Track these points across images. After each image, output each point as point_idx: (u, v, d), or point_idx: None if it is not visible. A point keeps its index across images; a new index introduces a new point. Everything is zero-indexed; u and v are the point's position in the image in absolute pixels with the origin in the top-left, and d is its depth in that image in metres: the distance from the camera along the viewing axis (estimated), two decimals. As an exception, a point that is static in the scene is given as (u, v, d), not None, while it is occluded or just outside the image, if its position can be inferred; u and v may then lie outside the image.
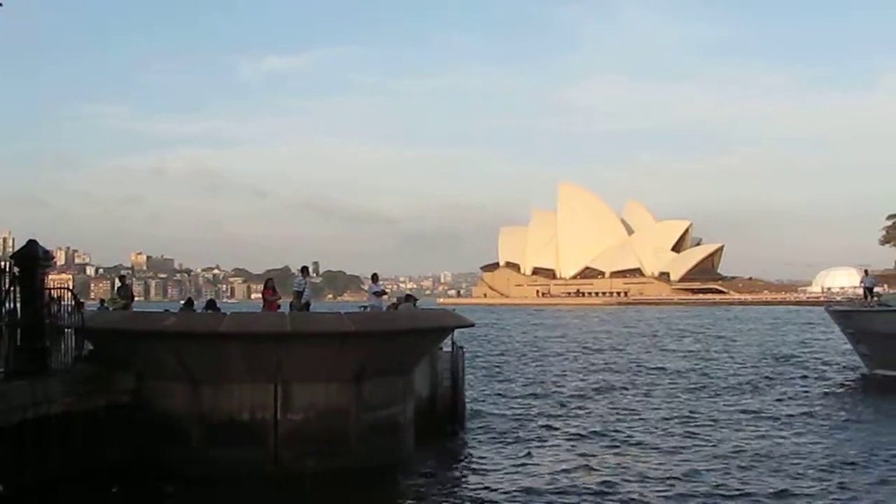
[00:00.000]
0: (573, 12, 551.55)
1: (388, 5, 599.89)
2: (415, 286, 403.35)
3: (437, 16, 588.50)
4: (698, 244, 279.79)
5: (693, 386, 39.80)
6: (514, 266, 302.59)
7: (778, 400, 34.64)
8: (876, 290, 46.69)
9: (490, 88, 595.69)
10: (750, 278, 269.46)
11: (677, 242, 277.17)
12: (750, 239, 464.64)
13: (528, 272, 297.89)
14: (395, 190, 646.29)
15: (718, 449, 24.19)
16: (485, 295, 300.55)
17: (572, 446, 24.96)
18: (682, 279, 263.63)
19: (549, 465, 22.26)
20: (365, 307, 28.15)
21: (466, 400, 29.57)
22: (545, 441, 25.82)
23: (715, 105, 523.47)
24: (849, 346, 47.05)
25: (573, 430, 27.58)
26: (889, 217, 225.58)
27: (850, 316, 45.70)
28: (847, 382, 41.81)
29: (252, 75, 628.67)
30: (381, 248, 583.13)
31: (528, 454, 23.70)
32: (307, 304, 24.89)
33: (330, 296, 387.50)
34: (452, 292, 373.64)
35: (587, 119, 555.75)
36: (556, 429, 27.97)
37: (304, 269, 26.60)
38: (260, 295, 27.51)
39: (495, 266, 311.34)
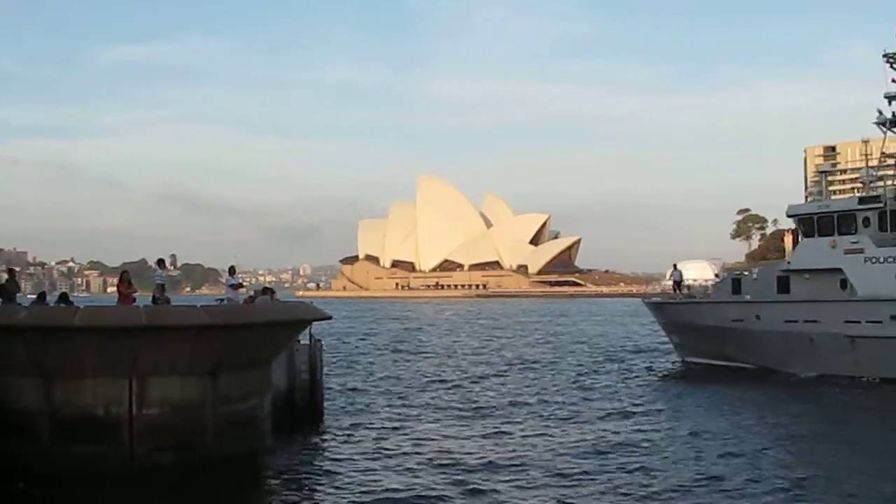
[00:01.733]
0: (437, 9, 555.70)
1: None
2: (274, 279, 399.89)
3: (304, 9, 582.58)
4: (556, 237, 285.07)
5: (533, 377, 41.57)
6: (373, 259, 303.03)
7: (606, 388, 36.91)
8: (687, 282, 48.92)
9: (353, 82, 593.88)
10: (606, 271, 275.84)
11: (535, 235, 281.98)
12: (609, 232, 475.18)
13: (388, 265, 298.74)
14: (255, 181, 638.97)
15: (550, 440, 25.28)
16: (344, 288, 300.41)
17: (426, 439, 25.47)
18: (540, 272, 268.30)
19: (404, 457, 22.74)
20: (222, 300, 27.97)
21: (324, 393, 29.73)
22: (400, 433, 26.28)
23: (574, 101, 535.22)
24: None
25: (428, 423, 28.25)
26: (739, 212, 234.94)
27: (661, 308, 48.34)
28: (659, 369, 44.83)
29: (110, 64, 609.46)
30: (239, 240, 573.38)
31: (383, 446, 24.15)
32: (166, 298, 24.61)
33: (188, 289, 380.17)
34: (312, 285, 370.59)
35: (450, 113, 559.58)
36: (411, 421, 28.58)
37: (161, 262, 26.23)
38: (115, 288, 27.04)
39: (355, 259, 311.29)
